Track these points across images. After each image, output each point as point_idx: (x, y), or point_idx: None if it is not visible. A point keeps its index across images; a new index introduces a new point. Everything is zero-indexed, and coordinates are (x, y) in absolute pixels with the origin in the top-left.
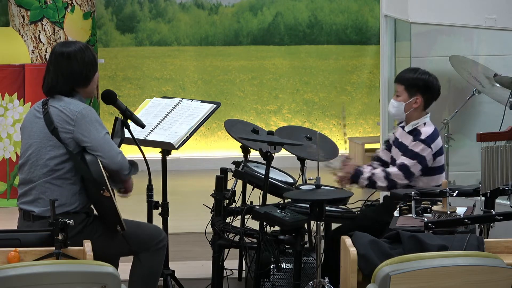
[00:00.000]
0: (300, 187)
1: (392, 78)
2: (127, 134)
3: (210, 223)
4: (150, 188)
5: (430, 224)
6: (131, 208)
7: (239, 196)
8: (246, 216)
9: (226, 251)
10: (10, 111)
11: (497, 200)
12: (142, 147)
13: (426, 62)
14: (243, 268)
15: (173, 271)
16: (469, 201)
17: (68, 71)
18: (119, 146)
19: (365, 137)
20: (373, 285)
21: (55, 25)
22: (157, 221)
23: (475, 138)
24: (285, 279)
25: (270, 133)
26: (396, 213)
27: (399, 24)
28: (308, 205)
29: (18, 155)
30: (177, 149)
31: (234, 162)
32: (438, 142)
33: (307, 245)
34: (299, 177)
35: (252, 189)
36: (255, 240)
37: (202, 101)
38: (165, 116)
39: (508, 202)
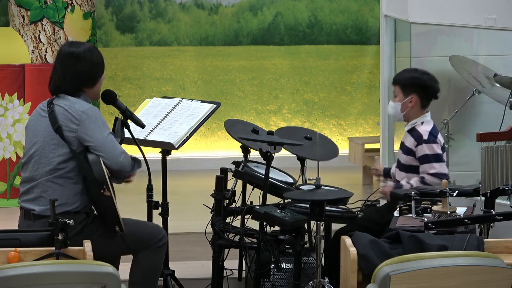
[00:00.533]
0: (300, 187)
1: (392, 78)
2: (127, 134)
3: (210, 223)
4: (150, 188)
5: (430, 224)
6: (131, 208)
7: (239, 196)
8: (246, 216)
9: (226, 251)
10: (10, 111)
11: (497, 200)
12: (142, 147)
13: (426, 62)
14: (243, 268)
15: (173, 271)
16: (469, 201)
17: (76, 71)
18: None
19: (365, 137)
20: (373, 285)
21: (55, 25)
22: (157, 221)
23: (475, 138)
24: (285, 279)
25: (270, 133)
26: (396, 213)
27: (399, 24)
28: (308, 205)
29: (18, 155)
30: (177, 149)
31: (234, 162)
32: (440, 138)
33: (307, 245)
34: (299, 177)
35: (252, 189)
36: (255, 240)
37: (202, 101)
38: (165, 116)
39: (508, 202)
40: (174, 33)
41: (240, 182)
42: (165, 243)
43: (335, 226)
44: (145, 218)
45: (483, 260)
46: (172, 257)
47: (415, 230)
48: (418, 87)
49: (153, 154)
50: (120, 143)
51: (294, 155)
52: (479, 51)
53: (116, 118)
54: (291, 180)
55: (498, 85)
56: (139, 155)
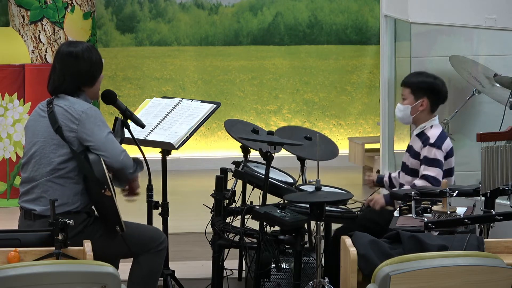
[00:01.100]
0: (300, 187)
1: (392, 78)
2: (127, 134)
3: (210, 223)
4: (150, 188)
5: (430, 224)
6: (131, 208)
7: (239, 196)
8: (246, 216)
9: (226, 251)
10: (10, 111)
11: (497, 200)
12: (142, 147)
13: (426, 62)
14: (243, 268)
15: (173, 271)
16: (469, 201)
17: (75, 70)
18: None
19: (365, 137)
20: (373, 285)
21: (55, 25)
22: (157, 221)
23: (475, 138)
24: (285, 279)
25: (270, 133)
26: (396, 213)
27: (399, 24)
28: (308, 205)
29: (18, 155)
30: (177, 149)
31: (234, 162)
32: (448, 143)
33: (307, 245)
34: (299, 177)
35: (252, 189)
36: (255, 240)
37: (202, 101)
38: (165, 116)
39: (508, 202)
40: (174, 33)
41: (240, 182)
42: (165, 247)
43: (335, 226)
44: (145, 218)
45: (483, 260)
46: (172, 257)
47: (415, 230)
48: (430, 91)
49: (153, 154)
50: (120, 143)
51: (294, 155)
52: (479, 51)
53: (116, 118)
54: (291, 180)
55: (498, 85)
56: (139, 155)
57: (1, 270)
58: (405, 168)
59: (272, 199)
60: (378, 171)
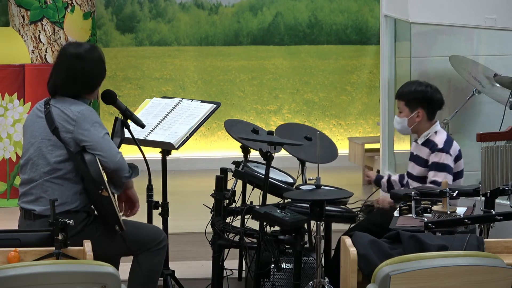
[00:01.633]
0: (300, 187)
1: (392, 78)
2: (127, 134)
3: (210, 223)
4: (150, 188)
5: (430, 224)
6: None
7: (239, 196)
8: (246, 216)
9: (226, 251)
10: (10, 111)
11: (497, 200)
12: (142, 147)
13: (426, 62)
14: (243, 268)
15: (173, 271)
16: (469, 201)
17: (79, 77)
18: (119, 146)
19: (365, 137)
20: (373, 285)
21: (55, 25)
22: (157, 221)
23: (475, 138)
24: (285, 279)
25: (270, 133)
26: (396, 213)
27: (399, 24)
28: (308, 205)
29: (18, 155)
30: (177, 149)
31: (234, 162)
32: (455, 146)
33: (307, 245)
34: (298, 177)
35: (252, 189)
36: (255, 240)
37: (202, 101)
38: (165, 116)
39: (508, 202)
40: (174, 33)
41: (240, 182)
42: (166, 246)
43: (335, 226)
44: (145, 218)
45: (483, 260)
46: (172, 257)
47: (415, 230)
48: (424, 101)
49: (153, 154)
50: (120, 143)
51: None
52: (479, 51)
53: (116, 118)
54: (291, 180)
55: (498, 85)
56: (139, 155)
57: (1, 270)
58: (411, 176)
59: (272, 199)
60: (378, 171)
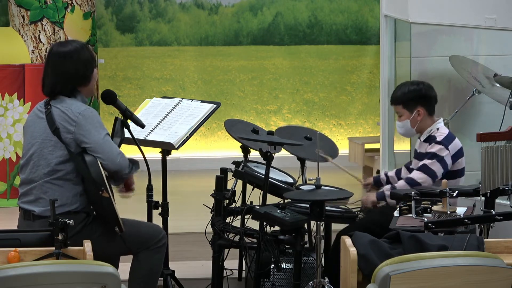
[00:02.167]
0: (300, 187)
1: (392, 78)
2: (127, 134)
3: (210, 223)
4: (150, 188)
5: (430, 224)
6: (131, 208)
7: (239, 196)
8: (246, 216)
9: (226, 251)
10: (10, 111)
11: (497, 200)
12: (142, 147)
13: (426, 62)
14: (243, 268)
15: (173, 271)
16: (469, 201)
17: (66, 72)
18: (119, 146)
19: (365, 137)
20: (373, 285)
21: (55, 25)
22: (157, 221)
23: (475, 138)
24: (285, 279)
25: (270, 133)
26: (396, 213)
27: (399, 24)
28: (308, 205)
29: (18, 155)
30: (177, 149)
31: (234, 162)
32: (456, 144)
33: (307, 245)
34: (298, 177)
35: (252, 189)
36: (255, 240)
37: (202, 101)
38: (165, 116)
39: (508, 202)
40: (174, 33)
41: (240, 182)
42: (165, 243)
43: (335, 226)
44: (145, 218)
45: (483, 260)
46: (172, 257)
47: (415, 230)
48: (420, 98)
49: (153, 154)
50: (120, 143)
51: (294, 155)
52: (479, 51)
53: (116, 118)
54: (291, 180)
55: (498, 85)
56: (139, 155)
57: (1, 270)
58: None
59: (272, 199)
60: (378, 171)
